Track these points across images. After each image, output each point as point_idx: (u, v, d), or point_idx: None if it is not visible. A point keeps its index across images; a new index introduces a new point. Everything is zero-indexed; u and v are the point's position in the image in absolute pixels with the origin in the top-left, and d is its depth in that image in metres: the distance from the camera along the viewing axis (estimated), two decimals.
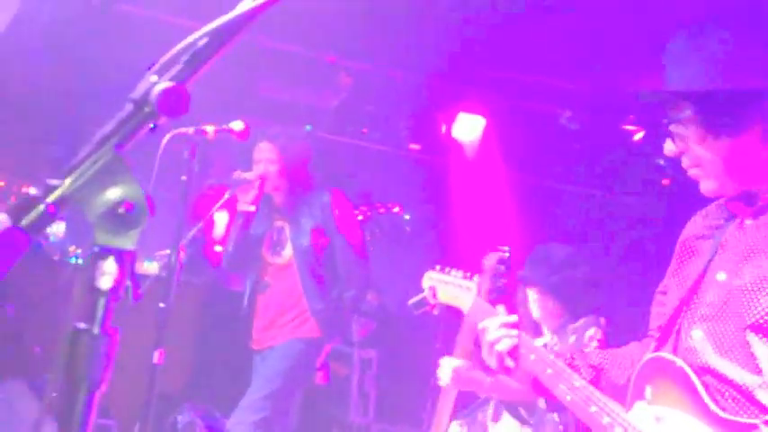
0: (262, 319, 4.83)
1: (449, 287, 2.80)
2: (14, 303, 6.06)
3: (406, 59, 6.32)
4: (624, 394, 2.26)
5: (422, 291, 2.89)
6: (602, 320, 3.90)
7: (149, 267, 6.02)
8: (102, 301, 1.10)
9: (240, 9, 1.18)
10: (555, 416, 3.65)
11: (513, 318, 2.46)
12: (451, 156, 7.29)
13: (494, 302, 2.73)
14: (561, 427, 3.68)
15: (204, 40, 1.16)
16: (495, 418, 4.11)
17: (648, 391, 2.15)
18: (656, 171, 7.07)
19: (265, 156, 4.76)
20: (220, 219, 6.12)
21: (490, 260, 3.19)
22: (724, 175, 2.12)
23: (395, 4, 5.40)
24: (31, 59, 5.84)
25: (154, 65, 1.15)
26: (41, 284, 6.13)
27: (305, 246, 4.76)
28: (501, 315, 2.49)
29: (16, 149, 7.44)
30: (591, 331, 3.83)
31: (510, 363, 2.40)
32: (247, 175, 4.64)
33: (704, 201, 2.30)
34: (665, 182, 7.23)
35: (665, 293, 2.34)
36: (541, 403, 3.62)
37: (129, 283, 1.13)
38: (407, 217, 8.31)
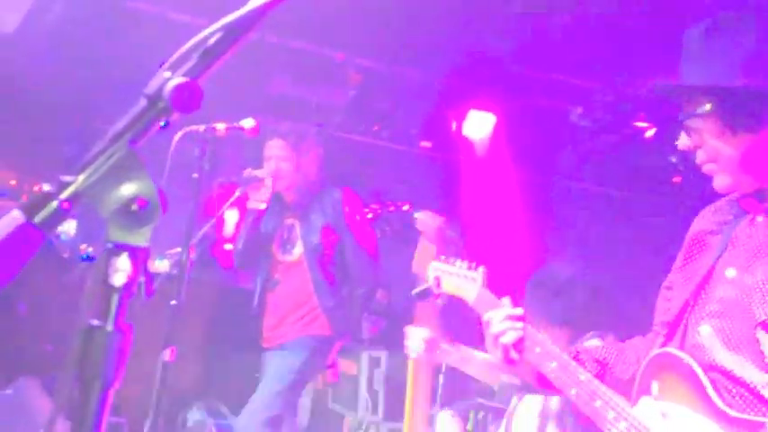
0: (272, 317, 4.83)
1: (453, 277, 2.76)
2: (26, 301, 6.08)
3: (416, 57, 6.32)
4: (629, 389, 2.25)
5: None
6: (611, 336, 3.85)
7: (160, 265, 6.02)
8: (115, 298, 1.10)
9: (252, 5, 1.17)
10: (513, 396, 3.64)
11: (519, 311, 2.45)
12: (462, 153, 7.28)
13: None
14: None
15: (216, 37, 1.16)
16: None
17: (655, 386, 2.14)
18: (667, 169, 7.04)
19: (276, 153, 4.76)
20: (231, 216, 6.12)
21: (431, 224, 3.12)
22: (740, 170, 2.10)
23: (405, 2, 5.39)
24: (41, 57, 5.86)
25: (164, 62, 1.15)
26: (53, 282, 6.15)
27: (315, 243, 4.75)
28: (506, 307, 2.48)
29: (27, 148, 7.47)
30: (594, 342, 3.80)
31: (515, 355, 2.39)
32: (258, 173, 4.64)
33: (715, 198, 2.29)
34: (677, 179, 7.21)
35: (670, 288, 2.33)
36: (504, 378, 3.62)
37: (142, 279, 1.13)
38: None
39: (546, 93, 6.68)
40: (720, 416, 1.98)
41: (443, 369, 4.10)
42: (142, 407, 3.87)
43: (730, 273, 2.11)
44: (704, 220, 2.30)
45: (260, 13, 1.17)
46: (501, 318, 2.42)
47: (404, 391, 3.60)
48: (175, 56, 1.14)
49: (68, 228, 7.55)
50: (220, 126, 3.88)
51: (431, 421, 4.00)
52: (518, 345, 2.39)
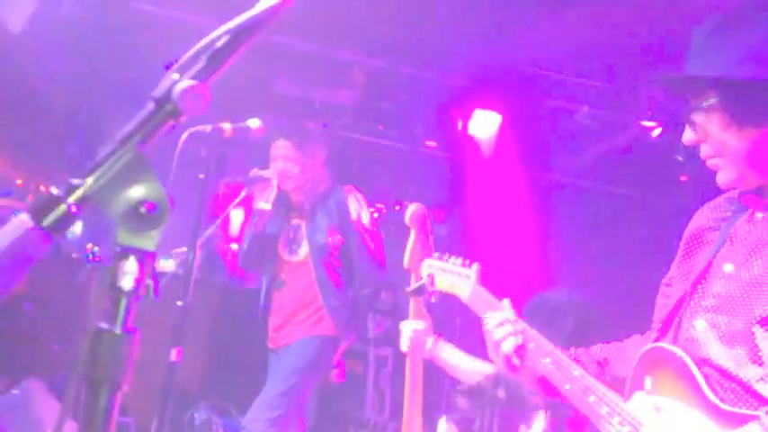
0: (278, 317, 4.83)
1: (447, 275, 2.74)
2: (32, 302, 6.09)
3: (422, 57, 6.31)
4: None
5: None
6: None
7: (166, 265, 6.04)
8: (123, 301, 1.10)
9: (260, 7, 1.17)
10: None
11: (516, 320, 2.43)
12: (468, 153, 7.28)
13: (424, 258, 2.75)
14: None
15: (224, 39, 1.16)
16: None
17: (648, 381, 2.14)
18: (673, 167, 7.02)
19: (282, 153, 4.76)
20: (236, 217, 6.13)
21: (417, 213, 3.08)
22: (745, 165, 2.08)
23: (410, 2, 5.39)
24: (47, 58, 5.88)
25: (171, 64, 1.14)
26: (59, 282, 6.16)
27: (321, 244, 4.75)
28: (506, 310, 2.46)
29: (33, 148, 7.49)
30: None
31: (516, 362, 2.38)
32: (264, 173, 4.64)
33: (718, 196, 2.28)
34: (684, 178, 7.19)
35: (669, 285, 2.33)
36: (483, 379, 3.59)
37: (149, 281, 1.13)
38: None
39: (551, 92, 6.67)
40: (713, 409, 1.97)
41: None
42: (149, 407, 3.88)
43: (728, 268, 2.11)
44: (702, 217, 2.30)
45: (268, 15, 1.17)
46: (499, 321, 2.41)
47: None
48: (184, 58, 1.14)
49: (75, 228, 7.55)
50: (227, 126, 3.88)
51: (431, 422, 3.99)
52: (519, 350, 2.38)
